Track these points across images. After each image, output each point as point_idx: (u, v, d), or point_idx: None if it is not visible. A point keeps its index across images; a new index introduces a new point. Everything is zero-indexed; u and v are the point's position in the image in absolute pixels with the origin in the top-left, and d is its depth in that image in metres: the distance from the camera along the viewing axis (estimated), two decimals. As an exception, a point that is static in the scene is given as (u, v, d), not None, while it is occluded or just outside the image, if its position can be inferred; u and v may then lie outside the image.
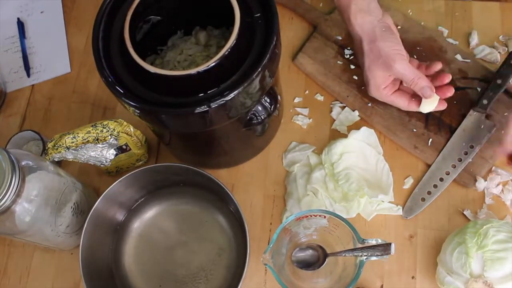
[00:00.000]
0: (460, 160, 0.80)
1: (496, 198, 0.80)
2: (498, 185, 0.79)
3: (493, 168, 0.81)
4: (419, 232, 0.79)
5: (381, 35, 0.72)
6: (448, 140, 0.83)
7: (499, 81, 0.82)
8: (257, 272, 0.79)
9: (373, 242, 0.65)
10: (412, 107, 0.75)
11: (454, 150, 0.81)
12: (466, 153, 0.80)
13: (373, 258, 0.65)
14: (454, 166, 0.80)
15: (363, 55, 0.73)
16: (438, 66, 0.76)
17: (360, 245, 0.65)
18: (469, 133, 0.81)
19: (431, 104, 0.77)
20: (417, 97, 0.76)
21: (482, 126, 0.81)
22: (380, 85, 0.71)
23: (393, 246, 0.63)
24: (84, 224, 0.74)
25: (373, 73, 0.72)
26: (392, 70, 0.72)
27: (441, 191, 0.80)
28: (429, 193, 0.80)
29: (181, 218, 0.83)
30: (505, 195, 0.79)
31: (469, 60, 0.87)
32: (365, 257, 0.65)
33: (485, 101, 0.82)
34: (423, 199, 0.80)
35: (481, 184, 0.79)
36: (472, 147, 0.80)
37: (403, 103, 0.73)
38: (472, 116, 0.82)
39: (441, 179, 0.80)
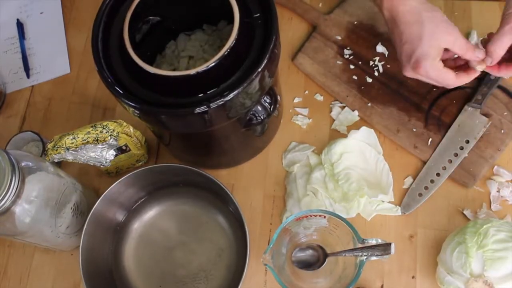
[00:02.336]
0: (456, 155, 0.80)
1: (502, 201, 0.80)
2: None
3: (495, 168, 0.81)
4: (419, 232, 0.79)
5: (435, 8, 0.70)
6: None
7: (492, 76, 0.83)
8: (257, 272, 0.79)
9: (373, 242, 0.65)
10: (461, 79, 0.71)
11: (450, 145, 0.81)
12: (462, 148, 0.80)
13: (373, 258, 0.65)
14: (450, 161, 0.80)
15: (420, 24, 0.68)
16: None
17: (360, 245, 0.65)
18: (464, 128, 0.82)
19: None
20: (460, 70, 0.73)
21: (477, 121, 0.81)
22: (437, 57, 0.68)
23: (393, 246, 0.63)
24: (84, 224, 0.74)
25: (433, 42, 0.68)
26: (453, 39, 0.69)
27: (438, 186, 0.80)
28: (426, 188, 0.80)
29: (181, 219, 0.83)
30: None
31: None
32: (365, 257, 0.65)
33: (479, 97, 0.83)
34: (420, 195, 0.80)
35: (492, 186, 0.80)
36: (467, 142, 0.81)
37: (452, 77, 0.70)
38: (467, 112, 0.83)
39: (438, 174, 0.81)
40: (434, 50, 0.68)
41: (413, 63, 0.70)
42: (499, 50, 0.68)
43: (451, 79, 0.71)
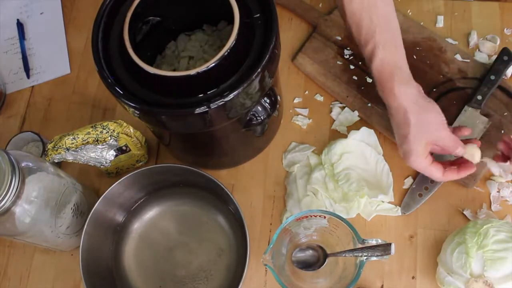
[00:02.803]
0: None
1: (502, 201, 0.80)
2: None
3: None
4: (419, 232, 0.79)
5: (427, 106, 0.71)
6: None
7: (492, 77, 0.83)
8: (257, 273, 0.79)
9: (373, 242, 0.65)
10: (448, 176, 0.73)
11: None
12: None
13: (373, 258, 0.65)
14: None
15: (407, 125, 0.70)
16: (466, 131, 0.76)
17: (360, 245, 0.65)
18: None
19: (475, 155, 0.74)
20: (449, 167, 0.75)
21: (477, 121, 0.81)
22: (423, 155, 0.71)
23: (393, 246, 0.63)
24: (84, 225, 0.74)
25: (417, 143, 0.70)
26: (439, 139, 0.71)
27: (438, 187, 0.80)
28: (426, 188, 0.80)
29: (181, 219, 0.83)
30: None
31: (468, 60, 0.87)
32: (365, 257, 0.65)
33: (479, 97, 0.82)
34: (420, 195, 0.80)
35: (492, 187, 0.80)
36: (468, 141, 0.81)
37: (439, 172, 0.72)
38: (467, 112, 0.83)
39: None
40: (420, 148, 0.70)
41: (402, 153, 0.73)
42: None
43: (438, 176, 0.73)
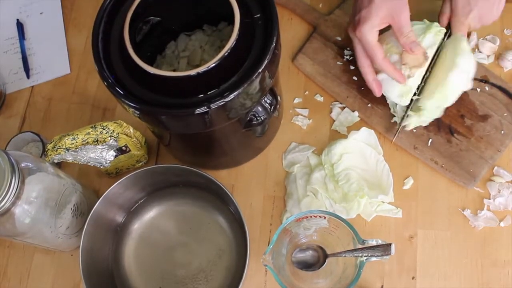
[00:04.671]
0: None
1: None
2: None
3: (495, 168, 0.81)
4: (419, 232, 0.79)
5: None
6: (448, 140, 0.83)
7: None
8: (257, 273, 0.79)
9: (373, 243, 0.65)
10: (387, 64, 0.75)
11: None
12: None
13: (373, 258, 0.65)
14: None
15: None
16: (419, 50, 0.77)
17: (360, 246, 0.65)
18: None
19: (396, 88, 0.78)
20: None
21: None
22: (377, 27, 0.73)
23: (393, 246, 0.63)
24: (84, 225, 0.74)
25: (378, 11, 0.73)
26: (399, 16, 0.73)
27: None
28: None
29: (181, 219, 0.83)
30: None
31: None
32: (365, 258, 0.65)
33: None
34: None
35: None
36: None
37: (380, 53, 0.74)
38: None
39: None
40: (377, 19, 0.72)
41: (356, 20, 0.74)
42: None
43: (379, 56, 0.74)
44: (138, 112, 0.64)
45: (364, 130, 0.84)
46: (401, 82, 0.77)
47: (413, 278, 0.77)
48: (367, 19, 0.73)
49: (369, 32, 0.73)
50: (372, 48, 0.74)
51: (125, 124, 0.79)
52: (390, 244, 0.63)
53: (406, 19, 0.74)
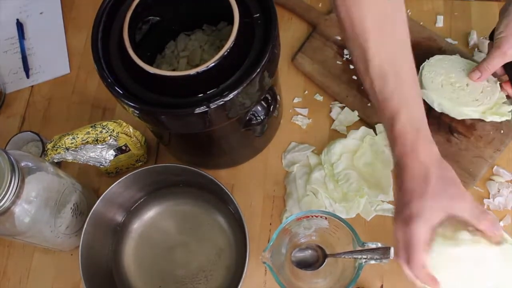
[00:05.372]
0: None
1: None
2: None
3: (495, 168, 0.81)
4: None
5: (447, 166, 0.61)
6: (447, 139, 0.83)
7: None
8: (257, 273, 0.79)
9: (373, 246, 0.65)
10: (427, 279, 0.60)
11: None
12: None
13: (372, 261, 0.65)
14: None
15: (426, 184, 0.58)
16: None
17: (359, 248, 0.65)
18: None
19: None
20: None
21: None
22: (433, 222, 0.58)
23: (392, 250, 0.63)
24: (83, 225, 0.74)
25: (435, 204, 0.58)
26: (460, 205, 0.59)
27: None
28: None
29: (180, 219, 0.83)
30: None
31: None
32: (364, 260, 0.65)
33: None
34: None
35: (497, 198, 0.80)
36: None
37: (421, 264, 0.59)
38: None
39: None
40: (432, 213, 0.58)
41: (406, 215, 0.58)
42: (491, 68, 0.76)
43: (418, 258, 0.58)
44: (137, 112, 0.64)
45: (364, 129, 0.84)
46: None
47: (412, 277, 0.77)
48: (418, 217, 0.57)
49: (421, 231, 0.57)
50: (414, 248, 0.58)
51: (124, 124, 0.79)
52: (389, 248, 0.63)
53: (470, 206, 0.59)
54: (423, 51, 0.89)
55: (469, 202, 0.59)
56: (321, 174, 0.82)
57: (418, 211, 0.58)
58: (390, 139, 0.62)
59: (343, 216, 0.76)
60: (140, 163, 0.87)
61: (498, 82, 0.80)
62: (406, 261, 0.60)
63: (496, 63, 0.75)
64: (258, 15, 0.65)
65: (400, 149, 0.61)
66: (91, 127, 0.77)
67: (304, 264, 0.74)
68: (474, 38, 0.90)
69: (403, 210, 0.59)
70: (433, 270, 0.59)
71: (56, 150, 0.75)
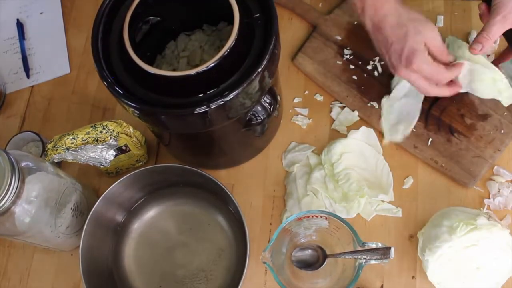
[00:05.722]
0: None
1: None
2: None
3: (495, 168, 0.81)
4: (419, 232, 0.79)
5: (416, 13, 0.73)
6: (448, 139, 0.83)
7: None
8: (257, 273, 0.79)
9: (373, 246, 0.65)
10: (453, 71, 0.73)
11: None
12: None
13: (372, 261, 0.65)
14: None
15: (404, 25, 0.71)
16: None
17: (360, 248, 0.65)
18: None
19: None
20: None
21: None
22: (425, 51, 0.71)
23: (392, 250, 0.63)
24: (84, 225, 0.74)
25: (419, 38, 0.70)
26: (435, 38, 0.72)
27: None
28: None
29: (181, 219, 0.83)
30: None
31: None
32: (364, 260, 0.65)
33: None
34: None
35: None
36: None
37: (443, 68, 0.71)
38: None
39: None
40: (421, 45, 0.70)
41: (404, 60, 0.70)
42: (492, 36, 0.72)
43: (443, 71, 0.72)
44: (137, 112, 0.64)
45: (364, 129, 0.84)
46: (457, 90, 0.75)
47: (413, 277, 0.77)
48: (415, 52, 0.70)
49: (424, 61, 0.70)
50: (435, 72, 0.71)
51: (125, 124, 0.79)
52: (389, 248, 0.63)
53: (439, 42, 0.72)
54: (423, 51, 0.89)
55: (438, 35, 0.72)
56: (321, 174, 0.82)
57: (411, 50, 0.70)
58: (360, 7, 0.74)
59: (343, 216, 0.76)
60: (140, 163, 0.87)
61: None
62: (440, 90, 0.73)
63: (496, 30, 0.72)
64: (258, 15, 0.65)
65: (369, 13, 0.73)
66: (91, 127, 0.77)
67: (304, 264, 0.74)
68: (474, 37, 0.90)
69: (401, 57, 0.71)
70: (457, 252, 0.71)
71: (56, 150, 0.75)
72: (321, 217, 0.69)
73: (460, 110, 0.84)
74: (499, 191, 0.80)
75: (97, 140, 0.77)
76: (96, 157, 0.78)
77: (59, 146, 0.75)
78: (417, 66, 0.70)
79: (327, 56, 0.90)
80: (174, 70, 0.77)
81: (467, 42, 0.90)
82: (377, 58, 0.89)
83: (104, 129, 0.77)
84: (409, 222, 0.80)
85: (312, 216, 0.69)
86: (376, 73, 0.88)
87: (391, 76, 0.87)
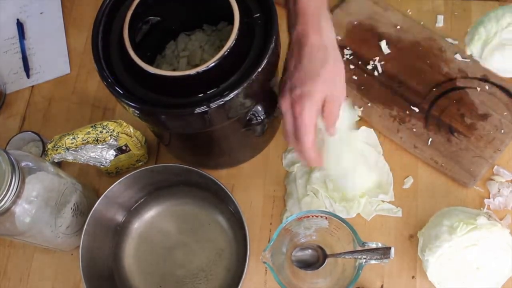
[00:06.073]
0: None
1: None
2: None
3: (495, 168, 0.81)
4: (419, 232, 0.79)
5: (339, 55, 0.65)
6: (448, 139, 0.83)
7: None
8: (257, 273, 0.79)
9: (373, 246, 0.65)
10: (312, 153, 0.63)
11: None
12: None
13: (373, 261, 0.65)
14: None
15: (323, 65, 0.62)
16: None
17: (360, 248, 0.65)
18: None
19: None
20: None
21: None
22: (319, 102, 0.62)
23: (392, 250, 0.63)
24: (84, 225, 0.74)
25: (324, 87, 0.61)
26: (340, 92, 0.64)
27: None
28: None
29: (181, 219, 0.83)
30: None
31: (468, 60, 0.87)
32: (364, 260, 0.65)
33: None
34: None
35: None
36: None
37: (311, 137, 0.62)
38: None
39: None
40: (321, 96, 0.61)
41: (297, 94, 0.61)
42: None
43: (309, 140, 0.62)
44: (138, 112, 0.64)
45: (363, 129, 0.84)
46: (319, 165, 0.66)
47: (413, 277, 0.77)
48: (310, 96, 0.60)
49: (310, 110, 0.60)
50: (306, 130, 0.61)
51: (125, 124, 0.79)
52: (389, 248, 0.63)
53: (342, 96, 0.64)
54: (423, 51, 0.89)
55: (343, 91, 0.64)
56: (322, 174, 0.82)
57: (310, 92, 0.60)
58: (291, 17, 0.64)
59: (343, 216, 0.76)
60: (140, 163, 0.87)
61: None
62: (295, 143, 0.63)
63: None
64: (258, 15, 0.65)
65: (303, 27, 0.63)
66: (92, 127, 0.77)
67: (304, 264, 0.74)
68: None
69: (295, 90, 0.61)
70: (457, 252, 0.71)
71: (57, 150, 0.75)
72: (321, 217, 0.68)
73: (460, 110, 0.84)
74: (499, 191, 0.80)
75: (97, 140, 0.77)
76: (96, 157, 0.78)
77: (59, 146, 0.75)
78: (302, 109, 0.60)
79: (327, 56, 0.90)
80: (174, 70, 0.77)
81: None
82: (377, 58, 0.89)
83: (104, 129, 0.77)
84: (409, 222, 0.80)
85: (312, 216, 0.69)
86: (376, 73, 0.88)
87: (391, 78, 0.87)
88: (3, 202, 0.63)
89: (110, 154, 0.78)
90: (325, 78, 0.61)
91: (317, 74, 0.61)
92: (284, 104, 0.63)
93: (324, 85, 0.61)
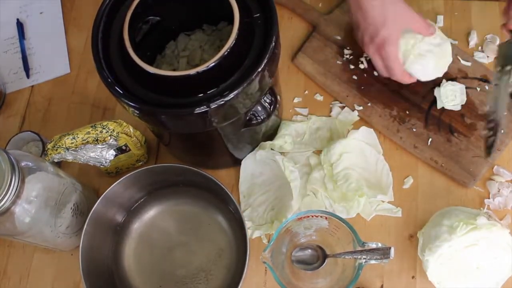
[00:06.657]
0: None
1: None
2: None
3: (495, 168, 0.81)
4: (419, 232, 0.79)
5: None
6: (447, 139, 0.83)
7: None
8: (257, 273, 0.79)
9: (373, 246, 0.65)
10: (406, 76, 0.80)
11: None
12: None
13: (372, 261, 0.65)
14: None
15: (384, 7, 0.76)
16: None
17: (360, 248, 0.65)
18: None
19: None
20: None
21: None
22: (398, 40, 0.77)
23: (392, 250, 0.63)
24: (84, 225, 0.74)
25: (396, 28, 0.76)
26: (414, 20, 0.78)
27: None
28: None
29: (181, 219, 0.83)
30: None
31: (468, 60, 0.87)
32: (364, 260, 0.65)
33: None
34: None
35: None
36: None
37: (401, 66, 0.79)
38: None
39: None
40: (396, 34, 0.77)
41: (377, 44, 0.78)
42: None
43: (399, 69, 0.79)
44: (138, 112, 0.64)
45: (363, 129, 0.84)
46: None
47: (413, 277, 0.77)
48: (389, 40, 0.77)
49: (393, 52, 0.77)
50: (394, 66, 0.79)
51: (125, 124, 0.79)
52: (389, 248, 0.63)
53: (421, 20, 0.79)
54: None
55: (417, 18, 0.79)
56: (321, 175, 0.82)
57: (387, 36, 0.77)
58: None
59: (343, 216, 0.76)
60: (140, 163, 0.87)
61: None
62: (390, 75, 0.81)
63: None
64: (258, 15, 0.65)
65: None
66: (91, 127, 0.77)
67: (304, 264, 0.74)
68: (474, 38, 0.90)
69: (374, 39, 0.78)
70: (457, 252, 0.71)
71: (56, 150, 0.75)
72: (321, 217, 0.68)
73: (460, 110, 0.84)
74: (499, 191, 0.80)
75: (97, 140, 0.77)
76: (96, 157, 0.78)
77: (59, 146, 0.75)
78: (386, 53, 0.77)
79: (327, 56, 0.90)
80: (174, 70, 0.77)
81: (467, 42, 0.90)
82: (377, 58, 0.89)
83: (104, 129, 0.77)
84: (409, 222, 0.80)
85: (312, 216, 0.69)
86: (376, 73, 0.88)
87: (390, 78, 0.87)
88: (3, 202, 0.63)
89: (110, 154, 0.78)
90: (392, 19, 0.76)
91: (384, 20, 0.76)
92: (371, 51, 0.80)
93: (396, 24, 0.76)
